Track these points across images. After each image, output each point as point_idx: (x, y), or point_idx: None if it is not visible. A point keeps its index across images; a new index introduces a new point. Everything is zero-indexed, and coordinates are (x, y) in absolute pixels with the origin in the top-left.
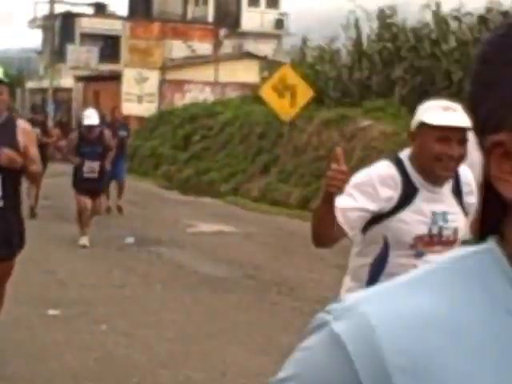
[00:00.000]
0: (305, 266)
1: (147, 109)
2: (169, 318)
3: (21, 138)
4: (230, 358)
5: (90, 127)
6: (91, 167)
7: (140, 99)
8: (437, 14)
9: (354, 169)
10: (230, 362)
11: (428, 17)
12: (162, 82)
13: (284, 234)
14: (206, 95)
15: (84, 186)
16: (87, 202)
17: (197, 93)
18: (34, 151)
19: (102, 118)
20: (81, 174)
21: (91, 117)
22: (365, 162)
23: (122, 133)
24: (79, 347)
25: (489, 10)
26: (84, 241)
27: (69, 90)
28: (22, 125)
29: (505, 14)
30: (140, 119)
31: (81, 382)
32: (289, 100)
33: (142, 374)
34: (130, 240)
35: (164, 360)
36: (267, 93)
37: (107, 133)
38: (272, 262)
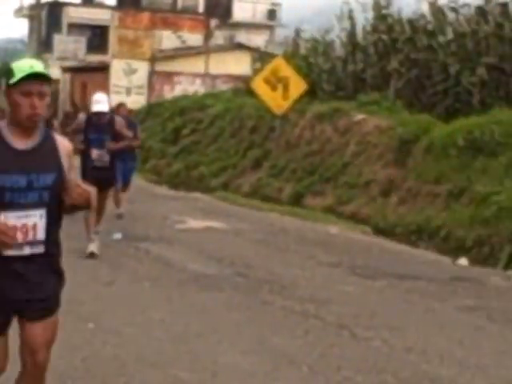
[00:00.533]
0: (296, 263)
1: (136, 101)
2: (157, 317)
3: (64, 162)
4: (220, 358)
5: (100, 113)
6: (99, 155)
7: (129, 91)
8: (433, 5)
9: (347, 164)
10: (220, 362)
11: (424, 8)
12: (152, 74)
13: (275, 231)
14: (197, 87)
15: (94, 174)
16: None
17: (187, 85)
18: (77, 180)
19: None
20: (90, 162)
21: (101, 101)
22: (359, 156)
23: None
24: (66, 346)
25: (487, 1)
26: (92, 248)
27: (56, 82)
28: (62, 142)
29: (503, 5)
30: (128, 111)
31: (67, 382)
32: (281, 93)
33: (130, 374)
34: (118, 236)
35: (153, 359)
36: (259, 85)
37: (119, 120)
38: (263, 259)
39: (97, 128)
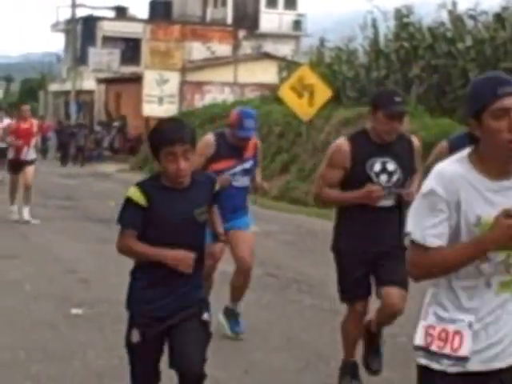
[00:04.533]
0: (324, 263)
1: (168, 110)
2: None
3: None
4: (251, 355)
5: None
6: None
7: (161, 100)
8: (453, 13)
9: None
10: (252, 359)
11: (444, 16)
12: (182, 84)
13: (303, 232)
14: (226, 96)
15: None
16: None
17: (216, 94)
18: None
19: (123, 119)
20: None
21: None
22: None
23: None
24: (103, 346)
25: (504, 8)
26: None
27: (91, 92)
28: None
29: None
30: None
31: (105, 381)
32: (307, 100)
33: (164, 372)
34: None
35: None
36: (286, 93)
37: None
38: (292, 260)
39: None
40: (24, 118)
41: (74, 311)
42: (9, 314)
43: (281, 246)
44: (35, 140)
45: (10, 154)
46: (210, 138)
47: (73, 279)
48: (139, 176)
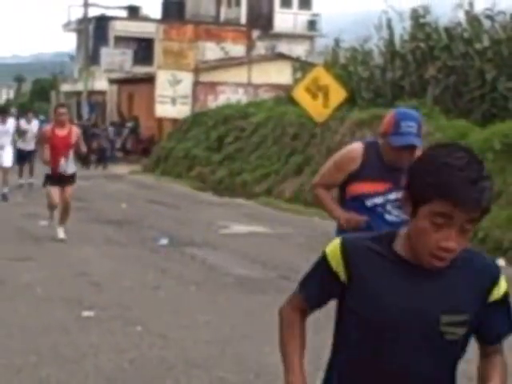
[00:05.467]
0: None
1: (181, 110)
2: (203, 320)
3: None
4: (264, 359)
5: None
6: None
7: (174, 101)
8: (469, 14)
9: None
10: (264, 363)
11: (461, 16)
12: (196, 84)
13: (318, 235)
14: (239, 96)
15: None
16: None
17: (230, 94)
18: None
19: (136, 119)
20: None
21: None
22: None
23: None
24: (114, 349)
25: None
26: None
27: (103, 93)
28: None
29: None
30: (174, 121)
31: (116, 383)
32: (322, 101)
33: (176, 376)
34: (164, 241)
35: (198, 361)
36: (300, 94)
37: None
38: (306, 262)
39: None
40: (61, 123)
41: (86, 314)
42: (20, 317)
43: (295, 248)
44: (73, 151)
45: (47, 169)
46: (357, 147)
47: (84, 282)
48: (151, 178)
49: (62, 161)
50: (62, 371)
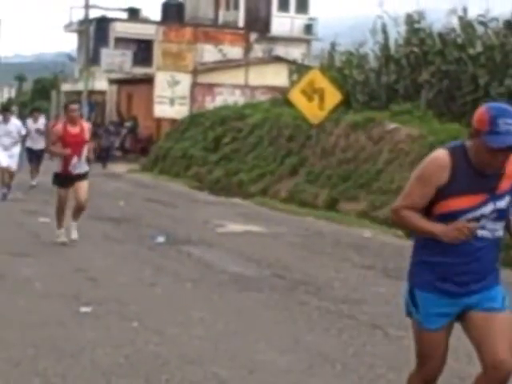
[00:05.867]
0: (331, 266)
1: (179, 111)
2: (198, 316)
3: None
4: (257, 356)
5: None
6: None
7: (172, 102)
8: (463, 19)
9: (380, 171)
10: (257, 360)
11: (454, 22)
12: (194, 85)
13: (311, 235)
14: (236, 98)
15: None
16: None
17: (227, 96)
18: None
19: (134, 119)
20: None
21: None
22: (391, 164)
23: None
24: (110, 344)
25: None
26: None
27: (103, 93)
28: None
29: None
30: (172, 121)
31: (111, 379)
32: (317, 103)
33: (171, 371)
34: (161, 239)
35: (193, 357)
36: (296, 96)
37: None
38: (300, 261)
39: None
40: (73, 120)
41: (83, 309)
42: (19, 312)
43: (289, 247)
44: (87, 149)
45: (57, 167)
46: (442, 155)
47: (82, 278)
48: (149, 176)
49: (75, 159)
50: (60, 365)
